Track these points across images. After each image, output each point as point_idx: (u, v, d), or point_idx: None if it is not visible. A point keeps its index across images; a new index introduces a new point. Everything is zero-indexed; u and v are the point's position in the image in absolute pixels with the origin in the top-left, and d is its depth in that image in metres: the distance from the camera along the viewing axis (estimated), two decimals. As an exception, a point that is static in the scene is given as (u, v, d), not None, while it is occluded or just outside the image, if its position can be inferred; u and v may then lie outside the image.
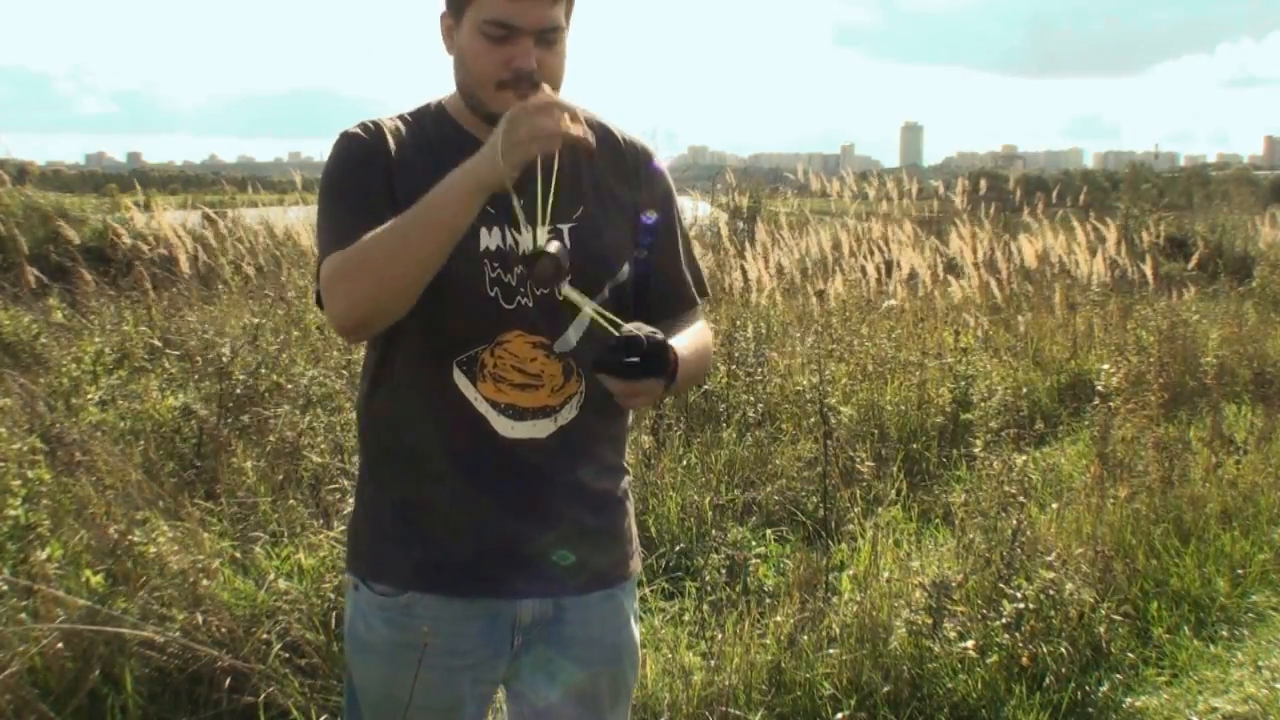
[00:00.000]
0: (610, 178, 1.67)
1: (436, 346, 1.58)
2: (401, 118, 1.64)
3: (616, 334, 1.44)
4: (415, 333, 1.58)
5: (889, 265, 8.36)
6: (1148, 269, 8.58)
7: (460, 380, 1.58)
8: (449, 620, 1.61)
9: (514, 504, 1.60)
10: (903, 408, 5.43)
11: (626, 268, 1.65)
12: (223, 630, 2.93)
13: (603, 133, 1.69)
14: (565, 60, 1.57)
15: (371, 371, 1.68)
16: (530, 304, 1.57)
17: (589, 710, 1.69)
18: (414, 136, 1.61)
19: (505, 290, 1.57)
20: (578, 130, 1.42)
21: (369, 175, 1.56)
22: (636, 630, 1.76)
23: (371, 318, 1.49)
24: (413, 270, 1.44)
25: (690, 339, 1.63)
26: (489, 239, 1.57)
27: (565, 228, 1.60)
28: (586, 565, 1.65)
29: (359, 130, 1.60)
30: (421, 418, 1.60)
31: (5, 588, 2.86)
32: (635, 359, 1.42)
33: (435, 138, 1.61)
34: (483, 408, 1.58)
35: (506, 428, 1.58)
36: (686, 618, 3.42)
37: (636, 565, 1.77)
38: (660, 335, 1.45)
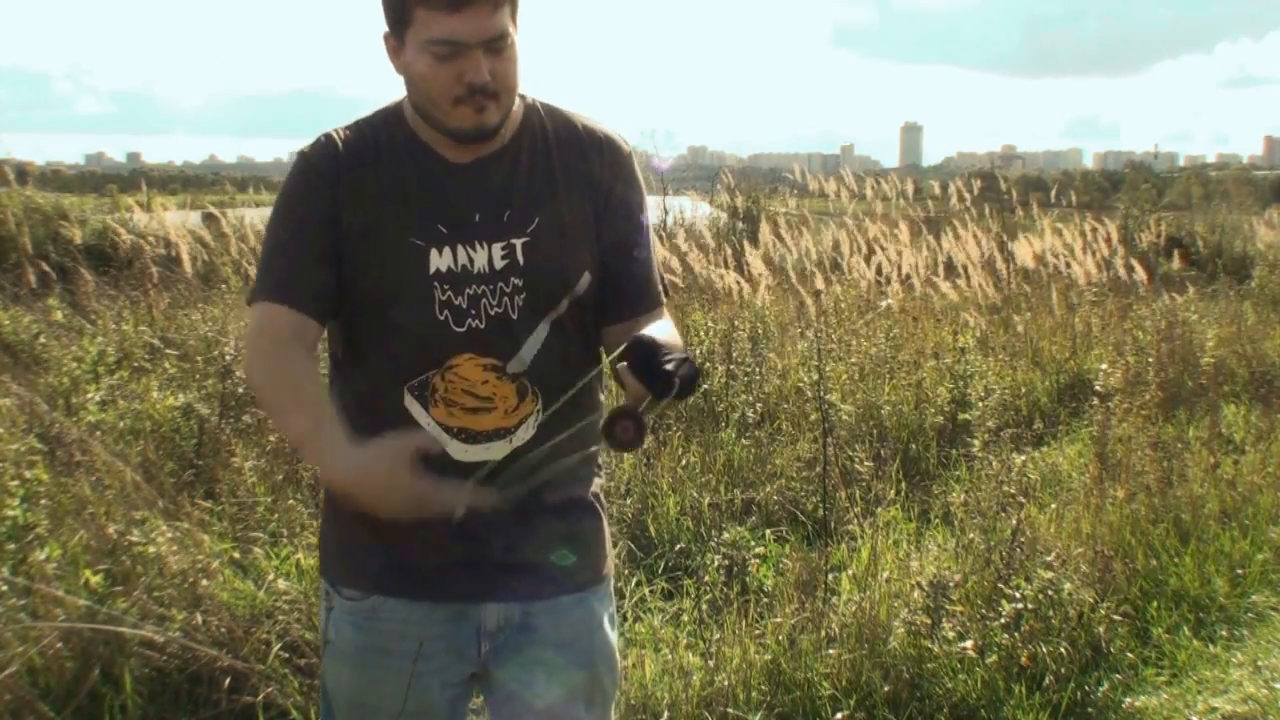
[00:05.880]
0: (570, 179, 1.60)
1: (389, 370, 1.56)
2: (360, 125, 1.61)
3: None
4: (369, 355, 1.57)
5: (887, 265, 8.36)
6: (1138, 269, 8.57)
7: (412, 405, 1.55)
8: (414, 623, 1.60)
9: (478, 513, 1.56)
10: (901, 408, 5.43)
11: (586, 277, 1.59)
12: (222, 630, 2.93)
13: (565, 127, 1.64)
14: (517, 64, 1.52)
15: (331, 375, 1.68)
16: (482, 326, 1.54)
17: (565, 715, 1.66)
18: (373, 145, 1.58)
19: (455, 313, 1.53)
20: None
21: (310, 208, 1.56)
22: (613, 634, 1.72)
23: None
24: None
25: (671, 335, 1.56)
26: (439, 260, 1.53)
27: (519, 243, 1.55)
28: (555, 570, 1.63)
29: (313, 152, 1.58)
30: (380, 435, 1.57)
31: (4, 588, 2.86)
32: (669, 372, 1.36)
33: (388, 145, 1.58)
34: (435, 432, 1.54)
35: (460, 451, 1.55)
36: (685, 617, 3.42)
37: (609, 569, 1.74)
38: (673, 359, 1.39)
